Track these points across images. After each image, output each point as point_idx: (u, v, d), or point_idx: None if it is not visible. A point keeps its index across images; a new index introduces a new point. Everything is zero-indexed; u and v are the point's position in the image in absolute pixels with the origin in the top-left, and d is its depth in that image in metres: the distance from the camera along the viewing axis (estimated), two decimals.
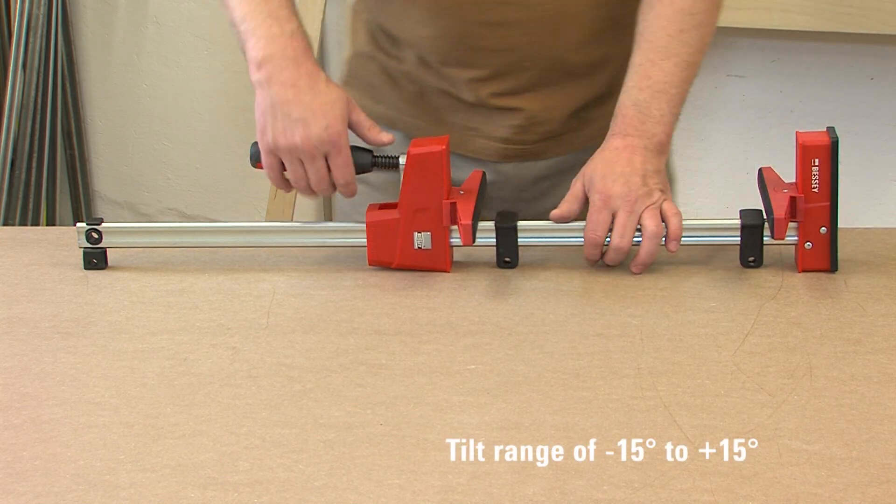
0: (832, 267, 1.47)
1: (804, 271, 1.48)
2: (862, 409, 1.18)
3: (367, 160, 1.53)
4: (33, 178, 3.30)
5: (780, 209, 1.45)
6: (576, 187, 1.53)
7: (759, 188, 1.53)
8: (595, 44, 1.63)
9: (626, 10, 1.61)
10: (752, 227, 1.49)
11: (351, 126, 1.52)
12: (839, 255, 1.47)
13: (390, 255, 1.52)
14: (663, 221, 1.48)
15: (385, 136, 1.53)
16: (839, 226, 1.46)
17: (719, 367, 1.26)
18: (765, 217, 1.48)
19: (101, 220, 1.57)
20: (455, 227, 1.51)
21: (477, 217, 1.51)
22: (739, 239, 1.49)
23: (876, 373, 1.25)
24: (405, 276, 1.52)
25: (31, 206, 3.30)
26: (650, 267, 1.50)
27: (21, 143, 3.26)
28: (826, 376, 1.24)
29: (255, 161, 1.53)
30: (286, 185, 1.53)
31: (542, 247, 1.55)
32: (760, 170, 1.54)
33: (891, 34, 2.33)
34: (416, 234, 1.52)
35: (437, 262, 1.53)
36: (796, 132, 1.46)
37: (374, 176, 1.60)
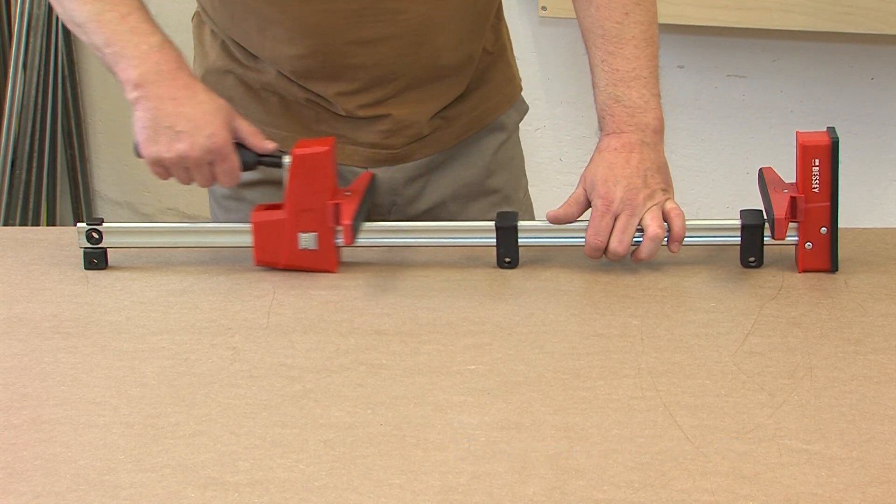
0: (832, 267, 1.47)
1: (804, 271, 1.48)
2: (862, 410, 1.18)
3: (252, 159, 1.53)
4: (33, 178, 3.30)
5: (780, 209, 1.45)
6: (577, 191, 1.53)
7: (760, 188, 1.53)
8: (459, 46, 1.63)
9: (485, 7, 1.63)
10: (752, 228, 1.49)
11: (234, 133, 1.52)
12: (840, 255, 1.47)
13: (276, 256, 1.53)
14: (666, 222, 1.48)
15: (269, 144, 1.54)
16: (839, 226, 1.46)
17: (720, 367, 1.26)
18: (765, 217, 1.48)
19: (102, 220, 1.57)
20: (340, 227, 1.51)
21: (360, 218, 1.51)
22: (740, 239, 1.49)
23: (876, 373, 1.25)
24: (405, 276, 1.52)
25: (31, 206, 3.30)
26: (650, 267, 1.50)
27: (21, 143, 3.26)
28: (826, 376, 1.24)
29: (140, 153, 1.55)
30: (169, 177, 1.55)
31: (542, 247, 1.55)
32: (761, 170, 1.54)
33: (891, 34, 2.33)
34: (301, 234, 1.52)
35: (322, 263, 1.53)
36: (797, 132, 1.46)
37: (252, 194, 1.64)
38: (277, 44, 1.59)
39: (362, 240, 1.53)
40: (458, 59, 1.63)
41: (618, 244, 1.47)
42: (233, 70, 1.67)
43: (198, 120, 1.49)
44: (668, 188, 1.52)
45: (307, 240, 1.52)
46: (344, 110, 1.63)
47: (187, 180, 1.52)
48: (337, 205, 1.51)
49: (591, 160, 1.52)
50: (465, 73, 1.66)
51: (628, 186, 1.48)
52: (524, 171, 1.82)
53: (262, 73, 1.64)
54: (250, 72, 1.65)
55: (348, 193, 1.53)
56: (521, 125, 1.78)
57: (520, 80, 1.77)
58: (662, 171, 1.52)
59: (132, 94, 1.50)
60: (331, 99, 1.62)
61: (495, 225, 1.52)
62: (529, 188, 1.83)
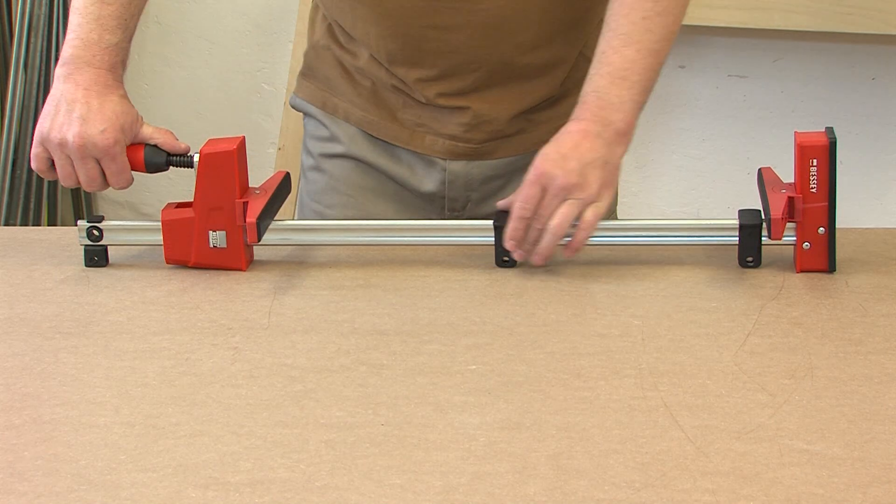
0: (830, 267, 1.47)
1: (802, 271, 1.48)
2: (863, 410, 1.18)
3: (162, 159, 1.56)
4: (34, 179, 3.30)
5: (777, 210, 1.44)
6: (528, 172, 1.49)
7: (759, 188, 1.53)
8: (544, 46, 1.62)
9: (578, 12, 1.61)
10: (749, 228, 1.49)
11: (138, 138, 1.56)
12: (839, 255, 1.47)
13: (186, 254, 1.54)
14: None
15: (181, 144, 1.57)
16: (837, 226, 1.46)
17: (720, 368, 1.26)
18: (763, 217, 1.48)
19: (102, 218, 1.58)
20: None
21: (268, 216, 1.52)
22: (738, 239, 1.49)
23: (877, 373, 1.25)
24: (405, 276, 1.52)
25: (32, 206, 3.30)
26: (650, 267, 1.50)
27: (22, 144, 3.26)
28: (827, 376, 1.24)
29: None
30: (52, 175, 1.56)
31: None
32: (760, 170, 1.54)
33: (892, 34, 2.33)
34: (211, 232, 1.53)
35: (232, 261, 1.55)
36: (795, 132, 1.46)
37: (333, 167, 1.67)
38: (363, 23, 1.63)
39: (362, 238, 1.53)
40: (541, 61, 1.63)
41: (540, 218, 1.47)
42: (332, 49, 1.72)
43: (96, 112, 1.51)
44: (603, 189, 1.47)
45: (217, 238, 1.52)
46: (424, 97, 1.65)
47: (70, 175, 1.54)
48: (245, 203, 1.52)
49: None
50: (553, 76, 1.66)
51: (563, 167, 1.45)
52: None
53: (356, 57, 1.69)
54: (347, 54, 1.70)
55: (258, 192, 1.55)
56: None
57: None
58: (607, 170, 1.48)
59: (58, 69, 1.55)
60: (412, 85, 1.65)
61: (494, 224, 1.52)
62: None
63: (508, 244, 1.49)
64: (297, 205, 1.89)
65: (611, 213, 1.57)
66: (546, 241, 1.47)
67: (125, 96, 1.56)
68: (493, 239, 1.52)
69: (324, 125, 1.75)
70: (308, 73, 1.78)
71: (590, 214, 1.46)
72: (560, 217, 1.45)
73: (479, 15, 1.58)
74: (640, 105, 1.51)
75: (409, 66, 1.64)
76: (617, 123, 1.49)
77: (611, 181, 1.49)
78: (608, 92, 1.49)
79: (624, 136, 1.50)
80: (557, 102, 1.66)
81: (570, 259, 1.52)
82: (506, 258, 1.52)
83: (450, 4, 1.57)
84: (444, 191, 1.70)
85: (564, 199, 1.45)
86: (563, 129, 1.50)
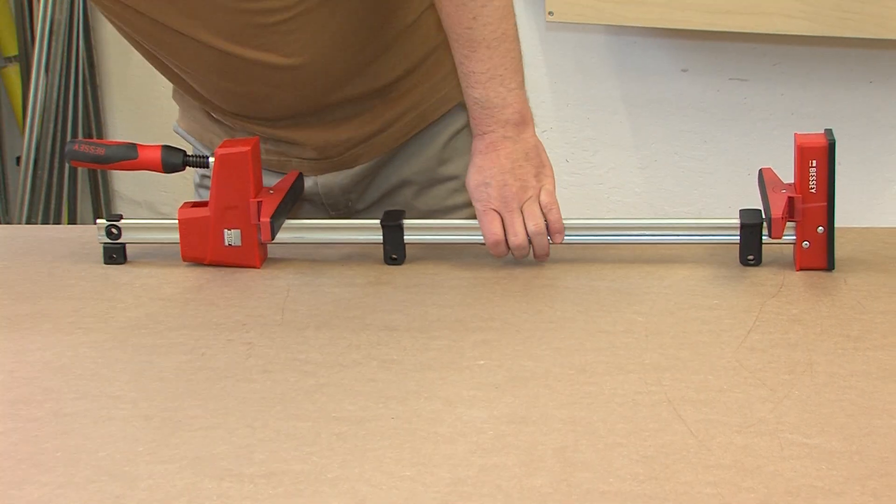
0: (829, 265, 1.47)
1: (802, 270, 1.47)
2: (861, 405, 1.18)
3: (179, 159, 1.56)
4: (55, 179, 3.31)
5: (777, 209, 1.44)
6: (475, 205, 1.53)
7: (759, 188, 1.52)
8: (352, 83, 1.61)
9: (375, 51, 1.60)
10: (750, 227, 1.48)
11: None
12: (838, 254, 1.47)
13: (202, 252, 1.54)
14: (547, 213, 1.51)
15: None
16: (836, 225, 1.46)
17: (722, 363, 1.26)
18: (763, 217, 1.48)
19: (121, 217, 1.58)
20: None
21: (281, 215, 1.53)
22: (739, 238, 1.49)
23: (875, 369, 1.25)
24: (415, 273, 1.52)
25: (52, 205, 3.31)
26: (653, 265, 1.50)
27: (43, 144, 3.27)
28: (826, 372, 1.24)
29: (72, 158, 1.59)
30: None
31: None
32: (761, 170, 1.54)
33: (890, 38, 2.33)
34: (226, 231, 1.53)
35: (246, 259, 1.55)
36: (795, 134, 1.46)
37: None
38: (180, 81, 1.65)
39: (373, 236, 1.53)
40: (358, 91, 1.63)
41: (514, 237, 1.50)
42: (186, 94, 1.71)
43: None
44: (540, 171, 1.52)
45: (232, 236, 1.53)
46: (268, 137, 1.65)
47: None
48: (259, 202, 1.52)
49: (468, 167, 1.54)
50: (381, 93, 1.65)
51: (499, 184, 1.50)
52: None
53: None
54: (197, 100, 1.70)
55: (272, 192, 1.55)
56: None
57: None
58: (530, 156, 1.52)
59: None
60: (252, 130, 1.65)
61: (381, 223, 1.55)
62: None
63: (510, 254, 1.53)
64: None
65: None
66: (537, 243, 1.51)
67: None
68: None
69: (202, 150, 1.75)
70: (181, 109, 1.77)
71: (546, 198, 1.51)
72: (532, 219, 1.51)
73: (277, 71, 1.56)
74: (520, 85, 1.53)
75: (234, 117, 1.65)
76: (509, 116, 1.51)
77: (540, 163, 1.53)
78: (487, 97, 1.51)
79: (521, 124, 1.52)
80: (399, 102, 1.67)
81: (579, 256, 1.52)
82: (393, 255, 1.55)
83: (242, 61, 1.54)
84: (322, 198, 1.70)
85: (520, 208, 1.50)
86: (474, 149, 1.53)
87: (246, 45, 1.52)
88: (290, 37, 1.53)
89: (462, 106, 1.68)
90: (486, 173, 1.51)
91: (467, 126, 1.66)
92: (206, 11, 1.49)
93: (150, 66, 1.64)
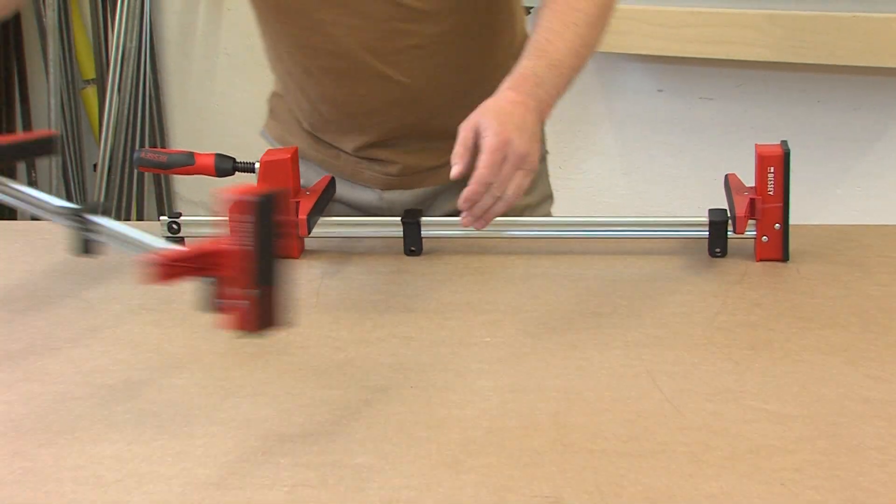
0: (784, 257, 1.46)
1: (761, 261, 1.46)
2: (812, 375, 1.17)
3: (229, 165, 1.54)
4: (125, 182, 3.32)
5: (741, 209, 1.44)
6: (466, 136, 1.31)
7: (725, 191, 1.52)
8: (455, 111, 1.43)
9: (476, 79, 1.54)
10: (717, 224, 1.48)
11: None
12: (792, 247, 1.46)
13: None
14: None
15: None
16: (791, 223, 1.45)
17: (694, 341, 1.25)
18: (729, 215, 1.47)
19: (180, 214, 1.57)
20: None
21: (316, 212, 1.51)
22: (708, 233, 1.48)
23: (823, 345, 1.24)
24: (431, 264, 1.51)
25: (123, 205, 3.32)
26: (635, 256, 1.49)
27: (116, 153, 3.28)
28: (782, 348, 1.23)
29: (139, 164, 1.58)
30: None
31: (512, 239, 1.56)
32: (726, 176, 1.54)
33: (836, 64, 2.32)
34: None
35: (286, 250, 1.51)
36: (755, 145, 1.45)
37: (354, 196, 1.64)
38: (295, 95, 1.64)
39: (396, 231, 1.53)
40: (457, 121, 1.35)
41: (495, 186, 1.31)
42: (286, 99, 1.70)
43: None
44: (536, 156, 1.34)
45: None
46: (356, 156, 1.63)
47: None
48: (297, 202, 1.51)
49: (483, 105, 1.34)
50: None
51: (521, 137, 1.31)
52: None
53: (300, 108, 1.67)
54: (295, 107, 1.68)
55: (308, 193, 1.53)
56: None
57: None
58: (536, 140, 1.34)
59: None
60: (343, 147, 1.63)
61: (401, 220, 1.53)
62: None
63: (463, 205, 1.32)
64: None
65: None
66: (499, 209, 1.32)
67: None
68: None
69: None
70: (272, 114, 1.75)
71: (527, 182, 1.33)
72: (515, 188, 1.31)
73: (395, 88, 1.53)
74: (562, 93, 1.39)
75: (332, 130, 1.63)
76: (546, 101, 1.36)
77: (538, 149, 1.35)
78: (545, 75, 1.37)
79: (546, 115, 1.38)
80: None
81: (571, 249, 1.52)
82: (412, 248, 1.53)
83: (368, 72, 1.51)
84: (384, 213, 1.66)
85: (519, 168, 1.31)
86: (503, 97, 1.34)
87: (378, 57, 1.50)
88: (417, 61, 1.51)
89: None
90: (514, 119, 1.31)
91: None
92: (357, 18, 1.48)
93: (206, 87, 1.64)
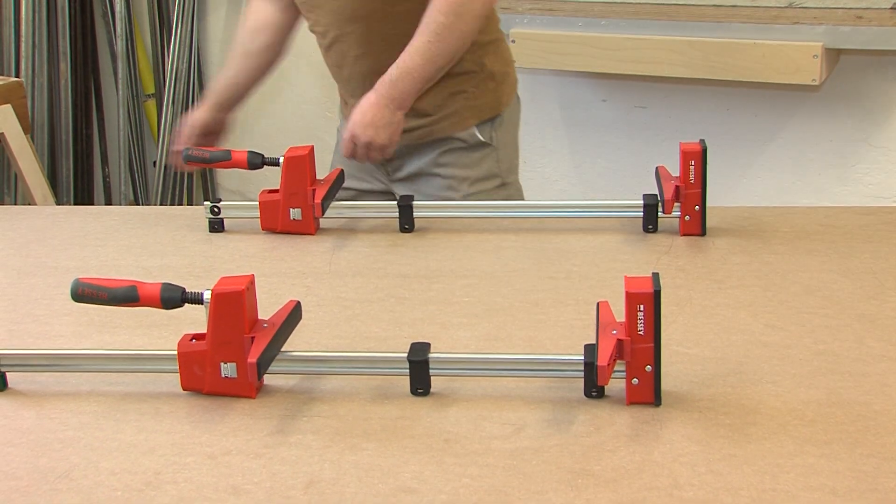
0: (703, 232, 1.45)
1: (684, 235, 1.45)
2: (724, 325, 1.17)
3: (259, 160, 1.51)
4: (178, 176, 3.29)
5: (668, 194, 1.42)
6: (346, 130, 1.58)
7: (656, 180, 1.50)
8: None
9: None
10: (650, 206, 1.47)
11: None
12: (709, 223, 1.45)
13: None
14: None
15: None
16: (708, 205, 1.44)
17: None
18: (659, 199, 1.46)
19: (220, 200, 1.55)
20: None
21: (329, 198, 1.49)
22: (642, 213, 1.47)
23: (733, 301, 1.23)
24: (421, 238, 1.50)
25: (176, 193, 3.30)
26: (584, 233, 1.48)
27: (170, 153, 3.25)
28: (700, 304, 1.23)
29: (187, 160, 1.55)
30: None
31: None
32: (656, 168, 1.52)
33: (741, 80, 2.33)
34: (291, 209, 1.48)
35: (305, 228, 1.49)
36: (680, 143, 1.44)
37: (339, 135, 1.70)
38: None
39: (392, 213, 1.51)
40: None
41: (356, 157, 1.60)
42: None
43: None
44: (390, 139, 1.57)
45: (296, 213, 1.49)
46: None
47: None
48: (314, 189, 1.47)
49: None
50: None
51: (365, 133, 1.57)
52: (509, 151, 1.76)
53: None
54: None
55: (322, 181, 1.50)
56: None
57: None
58: (391, 127, 1.57)
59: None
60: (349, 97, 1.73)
61: (397, 203, 1.49)
62: None
63: (346, 154, 1.60)
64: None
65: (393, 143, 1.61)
66: (348, 148, 1.59)
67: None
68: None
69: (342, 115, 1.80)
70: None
71: (388, 153, 1.60)
72: (369, 160, 1.62)
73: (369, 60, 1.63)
74: (418, 91, 1.57)
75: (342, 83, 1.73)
76: (400, 100, 1.56)
77: (395, 132, 1.58)
78: (398, 81, 1.55)
79: (402, 107, 1.57)
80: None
81: (534, 227, 1.50)
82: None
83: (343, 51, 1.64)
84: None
85: (368, 150, 1.58)
86: (365, 99, 1.57)
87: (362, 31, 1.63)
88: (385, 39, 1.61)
89: (451, 138, 1.68)
90: (364, 119, 1.56)
91: (454, 149, 1.68)
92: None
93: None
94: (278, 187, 1.51)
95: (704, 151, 1.41)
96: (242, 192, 3.33)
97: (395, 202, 1.52)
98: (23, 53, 3.08)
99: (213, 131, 1.80)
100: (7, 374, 1.08)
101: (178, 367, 1.05)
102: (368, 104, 1.57)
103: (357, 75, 1.67)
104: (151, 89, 3.34)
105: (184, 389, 1.06)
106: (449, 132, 1.69)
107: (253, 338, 1.04)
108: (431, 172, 1.71)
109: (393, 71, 1.55)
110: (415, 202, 1.52)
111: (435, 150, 1.70)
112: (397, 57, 1.57)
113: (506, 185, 1.74)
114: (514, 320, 1.20)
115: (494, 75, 1.69)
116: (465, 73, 1.65)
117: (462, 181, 1.70)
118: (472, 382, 1.05)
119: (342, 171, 1.58)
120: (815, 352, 1.09)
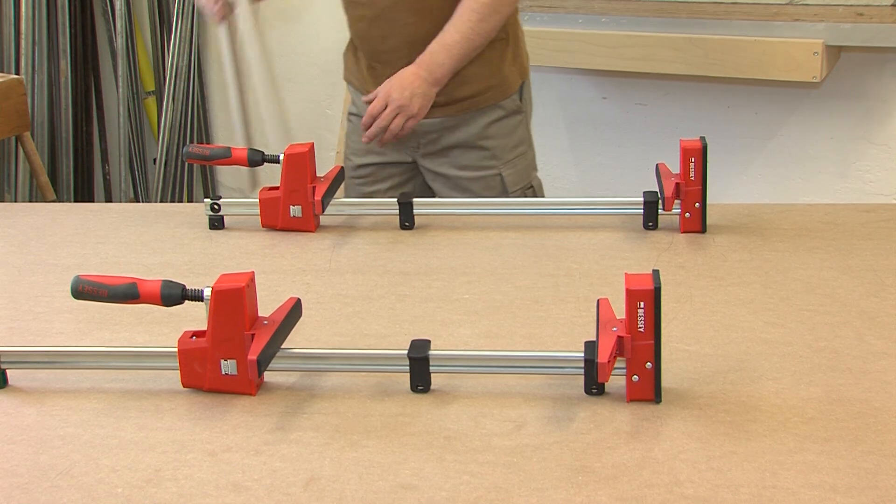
0: (703, 229, 1.45)
1: (685, 232, 1.45)
2: (724, 323, 1.16)
3: (259, 157, 1.51)
4: (178, 172, 3.29)
5: (668, 191, 1.42)
6: (379, 89, 1.65)
7: (656, 177, 1.50)
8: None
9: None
10: (650, 203, 1.46)
11: None
12: (709, 220, 1.45)
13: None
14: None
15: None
16: (708, 202, 1.44)
17: None
18: (659, 196, 1.46)
19: (220, 197, 1.55)
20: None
21: (329, 195, 1.49)
22: (643, 210, 1.47)
23: (733, 298, 1.23)
24: (421, 236, 1.50)
25: (177, 190, 3.30)
26: (584, 230, 1.48)
27: (170, 149, 3.25)
28: (701, 301, 1.22)
29: (187, 157, 1.53)
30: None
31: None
32: (657, 165, 1.52)
33: (740, 77, 2.32)
34: (291, 206, 1.48)
35: (306, 225, 1.48)
36: (680, 140, 1.44)
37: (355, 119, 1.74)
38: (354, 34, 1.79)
39: (392, 210, 1.50)
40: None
41: (377, 125, 1.66)
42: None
43: None
44: (420, 109, 1.64)
45: (295, 210, 1.48)
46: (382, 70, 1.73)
47: None
48: (314, 186, 1.47)
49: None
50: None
51: (401, 94, 1.62)
52: (521, 142, 1.81)
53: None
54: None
55: (322, 179, 1.49)
56: None
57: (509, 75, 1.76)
58: (425, 99, 1.64)
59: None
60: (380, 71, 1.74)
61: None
62: None
63: (363, 128, 1.67)
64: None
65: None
66: (385, 138, 1.67)
67: None
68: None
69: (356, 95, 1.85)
70: (344, 61, 1.83)
71: (410, 124, 1.65)
72: (395, 126, 1.65)
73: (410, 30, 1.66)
74: (454, 69, 1.64)
75: (370, 57, 1.74)
76: (437, 74, 1.63)
77: (425, 106, 1.65)
78: (438, 55, 1.63)
79: (439, 83, 1.65)
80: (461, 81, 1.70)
81: (534, 224, 1.50)
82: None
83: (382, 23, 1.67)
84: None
85: (397, 113, 1.63)
86: (405, 69, 1.64)
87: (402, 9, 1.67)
88: (429, 13, 1.65)
89: (495, 107, 1.75)
90: (402, 82, 1.62)
91: (499, 118, 1.75)
92: None
93: (254, 94, 1.73)
94: (278, 185, 1.51)
95: (705, 148, 1.41)
96: (241, 190, 3.33)
97: (396, 200, 1.52)
98: (23, 51, 3.08)
99: None
100: (7, 371, 1.08)
101: (178, 365, 1.05)
102: (409, 72, 1.63)
103: (403, 45, 1.68)
104: (151, 87, 3.34)
105: (184, 386, 1.06)
106: (493, 101, 1.74)
107: (253, 335, 1.04)
108: (475, 145, 1.74)
109: (432, 46, 1.62)
110: (415, 200, 1.52)
111: (480, 122, 1.73)
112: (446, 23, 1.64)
113: (531, 149, 1.82)
114: (515, 317, 1.20)
115: (519, 40, 1.78)
116: (500, 41, 1.71)
117: (504, 149, 1.76)
118: (472, 379, 1.05)
119: (342, 168, 1.58)
120: (816, 349, 1.09)
